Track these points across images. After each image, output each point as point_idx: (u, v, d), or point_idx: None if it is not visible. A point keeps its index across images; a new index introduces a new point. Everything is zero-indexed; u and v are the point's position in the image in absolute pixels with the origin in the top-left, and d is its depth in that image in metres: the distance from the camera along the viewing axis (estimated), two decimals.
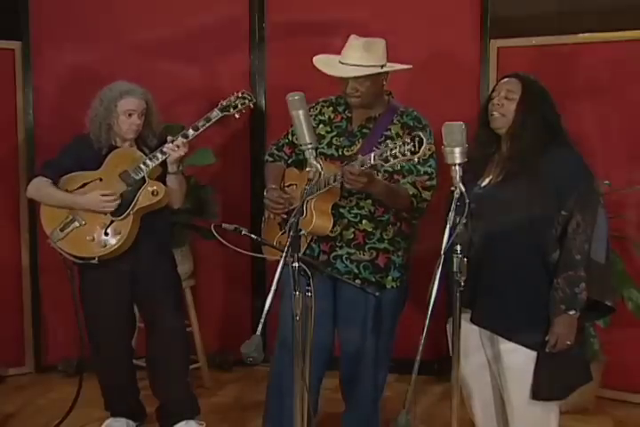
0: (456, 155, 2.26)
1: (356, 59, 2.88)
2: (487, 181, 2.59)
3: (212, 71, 4.27)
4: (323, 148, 2.98)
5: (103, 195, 3.16)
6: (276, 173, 3.18)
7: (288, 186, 3.14)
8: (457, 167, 2.26)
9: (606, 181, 3.44)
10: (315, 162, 2.35)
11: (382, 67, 2.90)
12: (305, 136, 2.36)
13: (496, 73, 3.99)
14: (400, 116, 3.00)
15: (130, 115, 3.18)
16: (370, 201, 2.95)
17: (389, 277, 3.01)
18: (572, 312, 2.44)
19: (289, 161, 3.20)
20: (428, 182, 2.95)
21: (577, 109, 3.74)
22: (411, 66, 2.98)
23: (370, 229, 2.98)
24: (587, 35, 3.82)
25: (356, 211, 2.97)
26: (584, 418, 3.65)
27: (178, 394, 3.41)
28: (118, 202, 3.16)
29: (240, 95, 3.20)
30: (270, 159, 3.25)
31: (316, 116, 3.06)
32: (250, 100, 3.21)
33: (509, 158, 2.55)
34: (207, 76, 4.28)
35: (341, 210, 2.96)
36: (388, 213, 2.99)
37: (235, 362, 4.33)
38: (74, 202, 3.21)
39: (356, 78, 2.88)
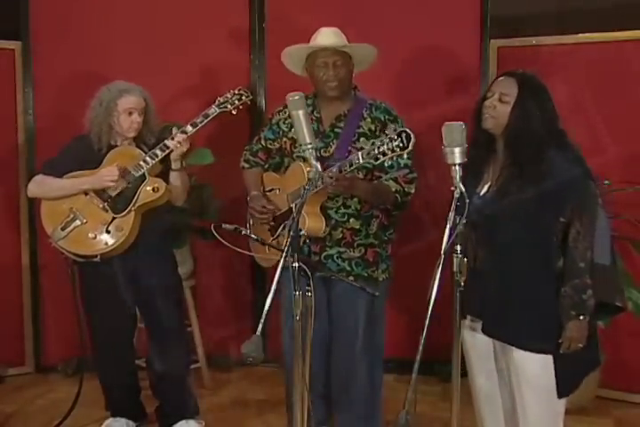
0: (456, 155, 2.26)
1: (334, 42, 2.96)
2: (486, 188, 2.56)
3: (211, 71, 4.27)
4: (299, 151, 2.97)
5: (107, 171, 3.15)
6: (256, 179, 3.23)
7: (269, 191, 3.15)
8: (457, 167, 2.26)
9: (606, 181, 3.45)
10: (315, 162, 2.36)
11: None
12: (305, 136, 2.37)
13: (496, 73, 3.98)
14: (370, 110, 3.02)
15: (130, 113, 3.19)
16: (356, 199, 2.97)
17: (379, 270, 3.05)
18: (582, 317, 2.44)
19: (265, 166, 3.23)
20: (410, 175, 2.98)
21: (577, 109, 3.74)
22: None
23: (357, 227, 3.01)
24: (587, 35, 3.82)
25: (343, 210, 3.00)
26: (584, 418, 3.64)
27: (178, 394, 3.41)
28: (117, 175, 3.13)
29: (237, 92, 3.23)
30: (247, 166, 3.28)
31: (285, 120, 3.08)
32: (247, 97, 3.24)
33: (506, 166, 2.51)
34: (207, 76, 4.27)
35: (329, 211, 2.98)
36: (373, 207, 3.01)
37: (235, 362, 4.34)
38: (79, 183, 3.20)
39: (335, 64, 2.94)
